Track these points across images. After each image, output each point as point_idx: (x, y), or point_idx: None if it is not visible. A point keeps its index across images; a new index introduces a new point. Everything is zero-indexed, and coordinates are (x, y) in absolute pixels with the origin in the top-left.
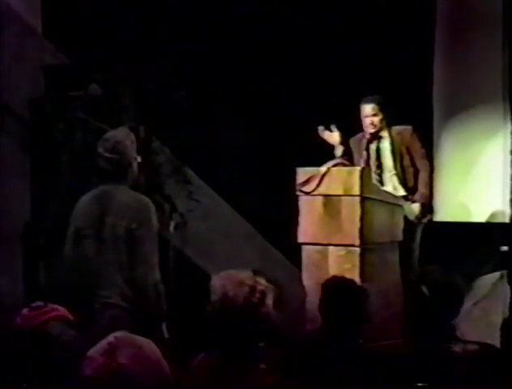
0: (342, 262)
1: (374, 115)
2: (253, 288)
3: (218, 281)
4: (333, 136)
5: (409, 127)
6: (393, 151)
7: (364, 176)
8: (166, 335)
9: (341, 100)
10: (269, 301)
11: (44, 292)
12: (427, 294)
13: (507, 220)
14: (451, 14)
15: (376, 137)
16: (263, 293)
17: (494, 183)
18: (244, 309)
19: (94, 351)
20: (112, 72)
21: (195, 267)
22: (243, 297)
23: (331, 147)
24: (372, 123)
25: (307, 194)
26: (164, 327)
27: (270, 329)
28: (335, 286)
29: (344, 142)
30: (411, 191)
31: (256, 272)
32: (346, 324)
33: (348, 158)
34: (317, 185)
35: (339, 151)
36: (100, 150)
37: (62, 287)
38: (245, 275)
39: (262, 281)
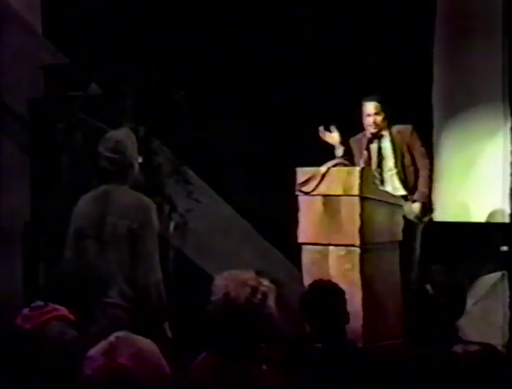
0: (342, 262)
1: (376, 113)
2: (254, 289)
3: (220, 281)
4: (332, 137)
5: (409, 126)
6: (394, 151)
7: (364, 176)
8: (169, 334)
9: (342, 100)
10: (270, 301)
11: (45, 292)
12: (431, 293)
13: (507, 220)
14: (451, 14)
15: (377, 136)
16: (265, 294)
17: (494, 183)
18: (245, 309)
19: (94, 351)
20: (112, 72)
21: (195, 267)
22: (244, 297)
23: (331, 147)
24: (374, 122)
25: (307, 194)
26: (166, 326)
27: (271, 330)
28: (313, 289)
29: (344, 142)
30: (411, 191)
31: (259, 273)
32: (326, 324)
33: (348, 158)
34: (317, 186)
35: (339, 151)
36: (101, 149)
37: (63, 287)
38: (248, 275)
39: (265, 282)
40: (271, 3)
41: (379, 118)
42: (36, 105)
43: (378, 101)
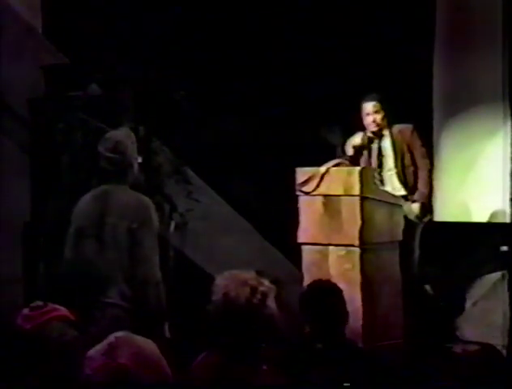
0: (342, 262)
1: (376, 112)
2: (254, 289)
3: (221, 281)
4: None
5: (410, 125)
6: (394, 150)
7: (364, 176)
8: (168, 334)
9: (342, 100)
10: (271, 301)
11: (45, 292)
12: (431, 293)
13: (507, 220)
14: (451, 14)
15: (377, 136)
16: (265, 294)
17: (494, 183)
18: (245, 309)
19: (94, 351)
20: (112, 72)
21: (195, 267)
22: (244, 297)
23: (331, 147)
24: (374, 121)
25: (307, 194)
26: (165, 326)
27: (271, 330)
28: (312, 289)
29: (361, 148)
30: (411, 191)
31: (259, 273)
32: (325, 324)
33: (350, 159)
34: (317, 185)
35: (350, 151)
36: (101, 149)
37: (63, 287)
38: (249, 275)
39: (266, 282)
40: (271, 3)
41: (378, 117)
42: (36, 105)
43: (377, 100)
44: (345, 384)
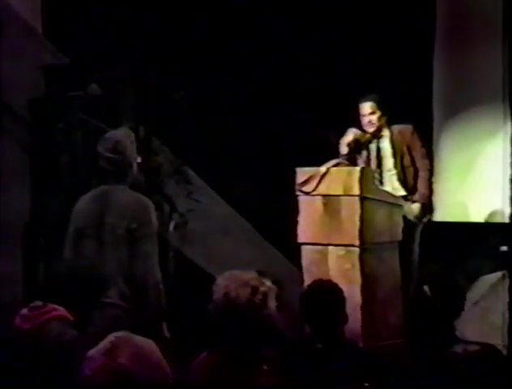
0: (342, 262)
1: (372, 113)
2: (255, 289)
3: (221, 281)
4: (348, 136)
5: (409, 126)
6: (393, 151)
7: (364, 176)
8: (167, 334)
9: (341, 100)
10: (271, 302)
11: (44, 292)
12: (429, 294)
13: (507, 220)
14: (451, 14)
15: (376, 136)
16: (265, 295)
17: (494, 183)
18: (245, 309)
19: (94, 351)
20: (112, 72)
21: (195, 267)
22: (245, 297)
23: (331, 147)
24: (370, 121)
25: (307, 194)
26: (164, 326)
27: (272, 330)
28: (312, 289)
29: (356, 143)
30: (410, 191)
31: (261, 273)
32: (325, 324)
33: (350, 158)
34: (317, 186)
35: (344, 150)
36: (101, 149)
37: (62, 287)
38: (250, 275)
39: (267, 282)
40: (271, 3)
41: (374, 117)
42: (36, 105)
43: (373, 101)
44: (366, 384)
